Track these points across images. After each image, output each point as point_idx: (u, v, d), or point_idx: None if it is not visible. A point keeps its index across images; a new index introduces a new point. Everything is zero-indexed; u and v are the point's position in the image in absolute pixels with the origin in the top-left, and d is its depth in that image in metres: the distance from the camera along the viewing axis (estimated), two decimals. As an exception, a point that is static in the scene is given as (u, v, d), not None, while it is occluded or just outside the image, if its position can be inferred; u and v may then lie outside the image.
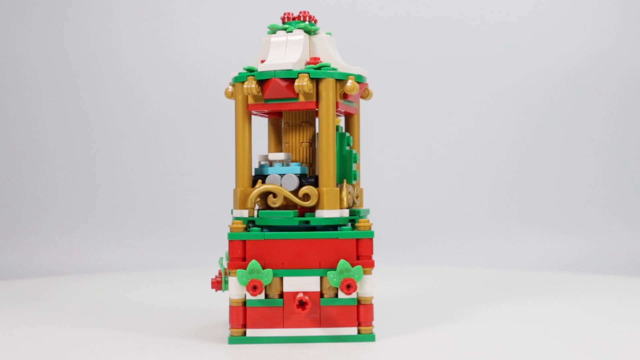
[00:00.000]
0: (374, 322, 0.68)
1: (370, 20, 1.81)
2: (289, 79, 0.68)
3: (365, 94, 0.74)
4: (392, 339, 0.68)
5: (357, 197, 0.72)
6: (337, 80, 0.68)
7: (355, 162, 0.71)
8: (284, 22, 0.73)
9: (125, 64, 1.83)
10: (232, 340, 0.66)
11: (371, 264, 0.68)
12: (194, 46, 1.82)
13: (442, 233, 1.72)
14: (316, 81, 0.68)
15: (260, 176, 0.71)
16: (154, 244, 1.70)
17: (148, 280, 1.17)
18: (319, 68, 0.68)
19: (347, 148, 0.71)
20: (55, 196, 1.77)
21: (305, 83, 0.67)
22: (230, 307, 0.67)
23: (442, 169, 1.77)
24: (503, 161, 1.77)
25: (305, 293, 0.67)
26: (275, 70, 0.67)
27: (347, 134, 0.71)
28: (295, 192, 0.69)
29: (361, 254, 0.67)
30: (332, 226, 0.69)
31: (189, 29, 1.83)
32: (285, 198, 0.68)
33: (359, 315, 0.68)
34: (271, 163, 0.72)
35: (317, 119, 0.77)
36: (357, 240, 0.67)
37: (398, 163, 1.77)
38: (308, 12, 0.73)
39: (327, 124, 0.68)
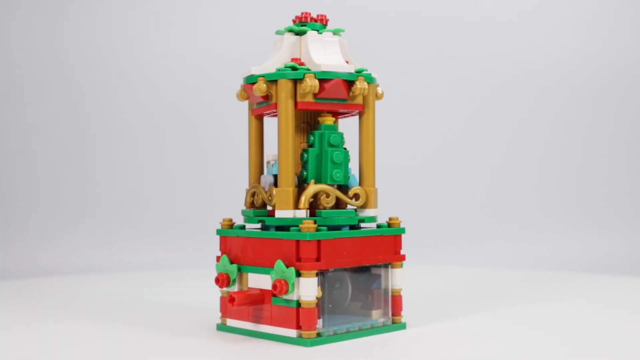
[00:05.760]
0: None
1: (361, 16, 1.77)
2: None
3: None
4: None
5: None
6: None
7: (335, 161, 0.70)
8: (298, 22, 0.72)
9: (124, 63, 1.80)
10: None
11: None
12: (194, 46, 1.81)
13: (443, 233, 1.71)
14: (360, 85, 0.70)
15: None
16: (154, 244, 1.70)
17: (149, 280, 1.18)
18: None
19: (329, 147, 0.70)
20: (56, 196, 1.76)
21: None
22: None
23: (442, 169, 1.76)
24: (502, 161, 1.78)
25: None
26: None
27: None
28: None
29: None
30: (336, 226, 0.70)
31: (189, 28, 1.82)
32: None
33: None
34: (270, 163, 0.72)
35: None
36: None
37: (398, 163, 1.74)
38: (325, 15, 0.74)
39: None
